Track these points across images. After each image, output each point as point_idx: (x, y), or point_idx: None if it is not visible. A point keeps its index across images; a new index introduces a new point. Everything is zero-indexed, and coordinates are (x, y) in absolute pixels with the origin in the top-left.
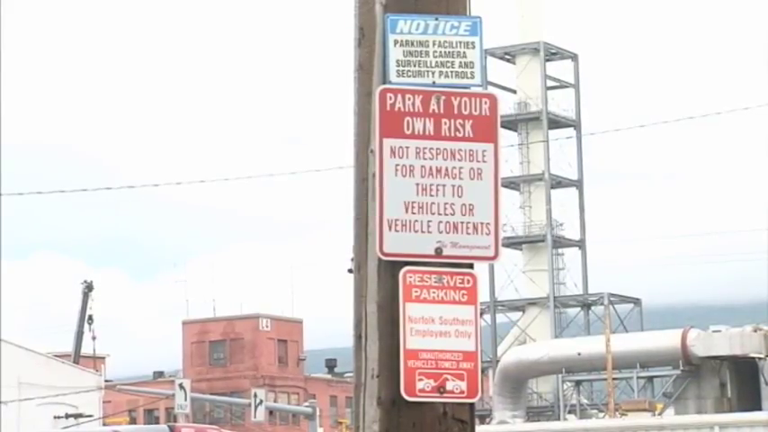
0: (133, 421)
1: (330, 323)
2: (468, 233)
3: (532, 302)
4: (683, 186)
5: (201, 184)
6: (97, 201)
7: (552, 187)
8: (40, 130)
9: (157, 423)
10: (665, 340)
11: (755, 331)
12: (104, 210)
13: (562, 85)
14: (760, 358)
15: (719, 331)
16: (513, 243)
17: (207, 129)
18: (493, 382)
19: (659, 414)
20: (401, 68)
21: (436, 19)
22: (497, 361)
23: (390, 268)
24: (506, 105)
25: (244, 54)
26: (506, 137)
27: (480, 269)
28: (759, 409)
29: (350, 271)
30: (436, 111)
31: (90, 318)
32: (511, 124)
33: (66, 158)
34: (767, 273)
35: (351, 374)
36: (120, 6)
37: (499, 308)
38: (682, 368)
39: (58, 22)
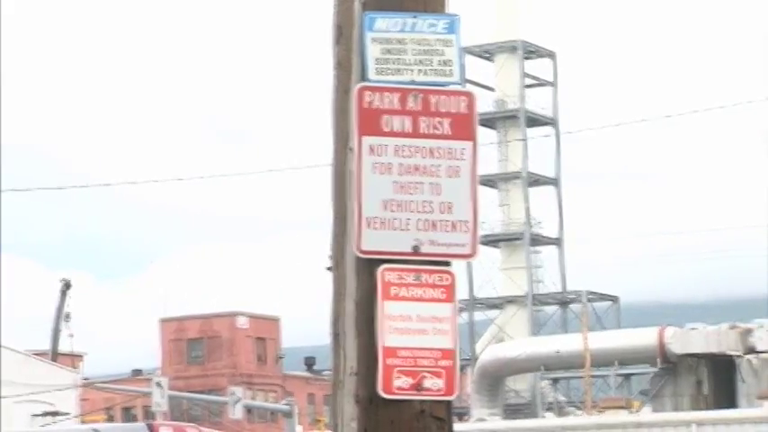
0: (110, 419)
1: (308, 321)
2: (446, 231)
3: (510, 300)
4: (660, 185)
5: (179, 183)
6: (65, 200)
7: (530, 185)
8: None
9: (135, 421)
10: (642, 338)
11: (732, 329)
12: (69, 209)
13: (540, 83)
14: (736, 356)
15: (696, 329)
16: (491, 241)
17: (170, 128)
18: (471, 380)
19: (636, 411)
20: (379, 66)
21: (414, 17)
22: (475, 359)
23: (368, 266)
24: (484, 103)
25: (211, 52)
26: (484, 135)
27: (458, 267)
28: (735, 406)
29: (328, 269)
30: (414, 108)
31: (67, 315)
32: (489, 122)
33: (32, 157)
34: (743, 271)
35: (329, 372)
36: (88, 5)
37: (477, 306)
38: (659, 366)
39: (30, 20)
